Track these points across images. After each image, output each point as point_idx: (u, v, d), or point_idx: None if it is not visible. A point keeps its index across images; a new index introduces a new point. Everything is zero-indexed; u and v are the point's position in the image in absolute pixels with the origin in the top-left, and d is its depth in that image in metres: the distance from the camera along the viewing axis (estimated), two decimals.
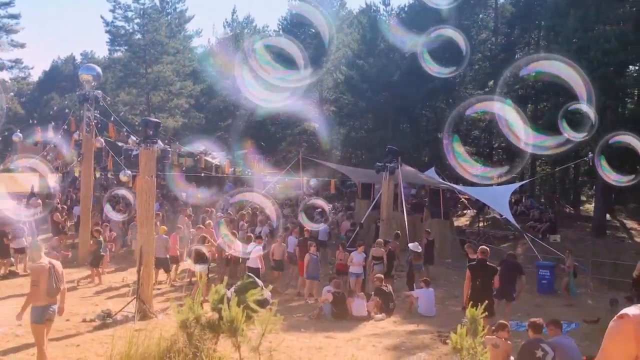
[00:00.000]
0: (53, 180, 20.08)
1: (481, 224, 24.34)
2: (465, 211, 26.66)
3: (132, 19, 36.91)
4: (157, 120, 12.01)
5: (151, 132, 10.67)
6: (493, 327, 7.49)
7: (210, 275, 12.88)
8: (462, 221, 25.47)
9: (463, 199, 25.46)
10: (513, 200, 23.72)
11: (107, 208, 15.92)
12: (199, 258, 12.30)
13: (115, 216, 15.97)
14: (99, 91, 16.81)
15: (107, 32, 38.58)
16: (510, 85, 24.59)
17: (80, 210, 17.05)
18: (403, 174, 18.14)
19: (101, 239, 14.27)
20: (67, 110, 23.16)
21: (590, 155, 16.36)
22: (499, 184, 18.78)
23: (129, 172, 16.99)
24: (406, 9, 32.30)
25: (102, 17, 37.77)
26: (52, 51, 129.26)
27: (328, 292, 11.53)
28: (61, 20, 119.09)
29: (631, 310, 1.91)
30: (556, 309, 13.06)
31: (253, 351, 6.50)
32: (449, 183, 20.56)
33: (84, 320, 9.97)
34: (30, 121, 26.35)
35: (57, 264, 6.98)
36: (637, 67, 23.67)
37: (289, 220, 18.58)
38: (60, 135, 19.72)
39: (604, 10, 20.20)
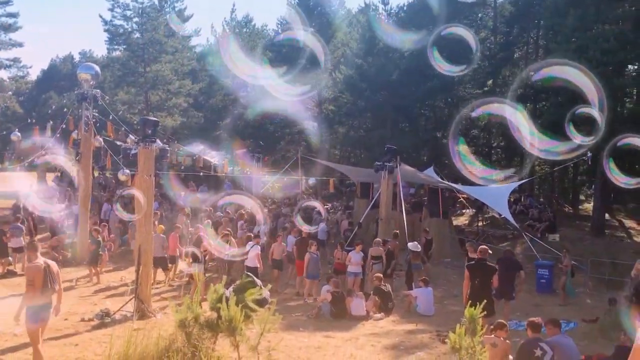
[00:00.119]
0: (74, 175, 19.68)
1: (480, 223, 24.33)
2: (464, 210, 26.63)
3: (130, 17, 36.83)
4: (156, 119, 12.01)
5: (150, 131, 10.69)
6: (492, 327, 7.49)
7: (208, 275, 12.85)
8: (461, 220, 25.46)
9: (462, 198, 25.44)
10: (512, 199, 23.69)
11: (117, 208, 15.76)
12: (194, 259, 12.38)
13: (128, 217, 15.83)
14: (98, 90, 16.78)
15: (105, 31, 38.55)
16: (509, 85, 24.55)
17: (78, 210, 17.03)
18: (402, 173, 18.15)
19: (99, 238, 14.27)
20: (65, 110, 23.04)
21: (589, 154, 16.37)
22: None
23: (128, 171, 16.94)
24: (405, 8, 32.26)
25: (100, 16, 37.68)
26: (51, 50, 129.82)
27: (327, 292, 11.54)
28: (60, 19, 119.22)
29: None
30: (555, 308, 13.09)
31: (252, 350, 6.50)
32: (447, 182, 20.56)
33: (83, 320, 9.98)
34: (29, 120, 26.28)
35: (53, 264, 6.98)
36: (636, 67, 23.65)
37: (288, 219, 18.56)
38: (58, 134, 19.64)
39: (603, 9, 20.18)
